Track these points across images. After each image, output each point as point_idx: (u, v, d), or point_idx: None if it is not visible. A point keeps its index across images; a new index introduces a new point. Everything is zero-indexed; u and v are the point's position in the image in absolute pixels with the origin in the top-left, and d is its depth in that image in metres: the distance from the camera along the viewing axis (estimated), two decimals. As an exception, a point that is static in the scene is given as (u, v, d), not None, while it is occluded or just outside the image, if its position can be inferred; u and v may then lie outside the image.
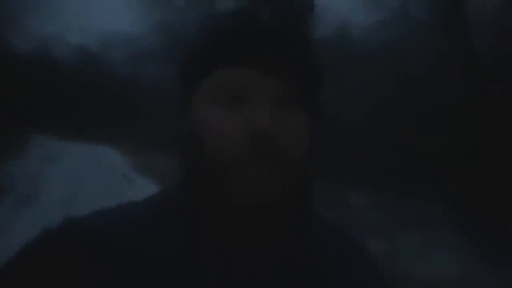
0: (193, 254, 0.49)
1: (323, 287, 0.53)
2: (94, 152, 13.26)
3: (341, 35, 10.12)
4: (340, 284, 0.55)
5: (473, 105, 6.95)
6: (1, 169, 8.62)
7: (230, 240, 0.50)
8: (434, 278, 4.64)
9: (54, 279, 0.45)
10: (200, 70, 0.52)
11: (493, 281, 4.76)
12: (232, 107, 0.49)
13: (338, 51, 9.09)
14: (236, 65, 0.49)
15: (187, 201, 0.52)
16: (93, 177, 8.46)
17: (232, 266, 0.49)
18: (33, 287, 0.45)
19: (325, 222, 0.61)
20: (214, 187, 0.48)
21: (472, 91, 6.99)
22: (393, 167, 7.42)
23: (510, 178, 5.81)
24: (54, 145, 13.89)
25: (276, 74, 0.49)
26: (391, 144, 7.69)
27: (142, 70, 20.02)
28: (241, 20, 0.51)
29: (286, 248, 0.53)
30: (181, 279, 0.47)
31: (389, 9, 8.74)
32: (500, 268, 5.07)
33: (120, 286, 0.46)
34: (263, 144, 0.47)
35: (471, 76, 6.99)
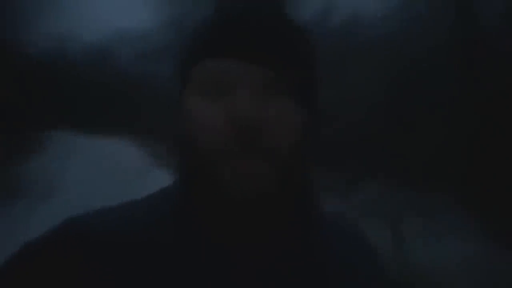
0: (192, 252, 0.49)
1: (323, 286, 0.52)
2: (110, 146, 13.45)
3: (350, 27, 10.08)
4: (341, 282, 0.54)
5: (479, 93, 6.94)
6: (21, 165, 8.85)
7: (227, 238, 0.49)
8: (442, 264, 4.65)
9: (55, 279, 0.45)
10: (189, 62, 0.51)
11: (501, 265, 4.76)
12: (217, 97, 0.48)
13: (345, 43, 9.11)
14: (221, 56, 0.49)
15: (184, 199, 0.52)
16: (110, 170, 8.60)
17: (231, 264, 0.49)
18: (34, 287, 0.45)
19: (327, 218, 0.60)
20: (205, 182, 0.48)
21: (476, 81, 6.96)
22: (398, 154, 7.45)
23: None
24: (72, 141, 14.14)
25: (261, 64, 0.48)
26: (395, 133, 7.71)
27: (156, 65, 20.16)
28: (227, 12, 0.51)
29: (285, 245, 0.52)
30: (181, 277, 0.47)
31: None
32: (508, 252, 5.07)
33: (120, 285, 0.46)
34: (246, 132, 0.46)
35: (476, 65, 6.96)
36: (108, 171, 8.59)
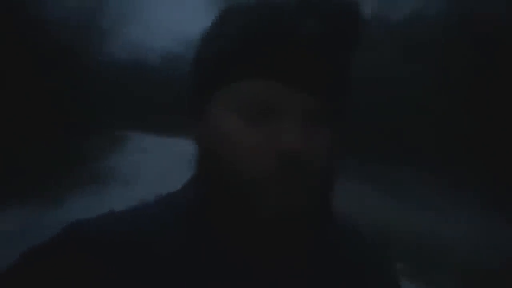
0: (202, 261, 0.48)
1: (327, 280, 0.53)
2: (179, 144, 14.82)
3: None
4: (345, 281, 0.54)
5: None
6: (108, 159, 10.38)
7: (247, 254, 0.49)
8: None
9: (59, 283, 0.45)
10: (223, 76, 0.48)
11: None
12: (259, 121, 0.46)
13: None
14: (263, 75, 0.46)
15: (201, 211, 0.51)
16: (178, 165, 9.76)
17: (248, 280, 0.49)
18: None
19: (339, 225, 0.59)
20: (237, 203, 0.47)
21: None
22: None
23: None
24: (148, 140, 15.76)
25: (306, 89, 0.46)
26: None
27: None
28: (276, 29, 0.46)
29: (303, 262, 0.52)
30: (187, 279, 0.47)
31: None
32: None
33: None
34: (290, 162, 0.45)
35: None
36: (174, 166, 9.76)
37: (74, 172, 8.62)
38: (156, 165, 9.96)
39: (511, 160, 6.74)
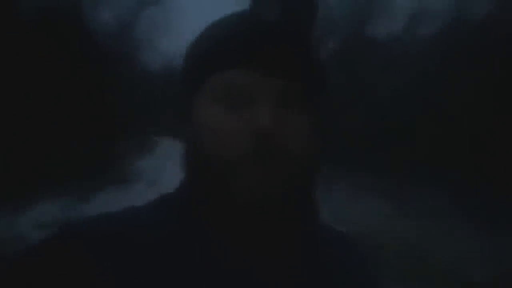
0: (198, 256, 0.49)
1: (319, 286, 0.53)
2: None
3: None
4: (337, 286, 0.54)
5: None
6: (139, 161, 10.98)
7: (235, 242, 0.49)
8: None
9: (54, 284, 0.44)
10: (204, 70, 0.51)
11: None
12: (236, 108, 0.48)
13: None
14: (239, 66, 0.49)
15: (192, 203, 0.52)
16: None
17: (237, 269, 0.49)
18: None
19: (326, 226, 0.61)
20: (220, 188, 0.48)
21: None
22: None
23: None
24: (174, 145, 16.39)
25: (280, 75, 0.48)
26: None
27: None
28: (245, 21, 0.50)
29: (292, 251, 0.52)
30: (181, 279, 0.47)
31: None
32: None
33: None
34: (267, 144, 0.46)
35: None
36: None
37: (104, 173, 9.24)
38: (178, 169, 10.48)
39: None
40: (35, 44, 9.00)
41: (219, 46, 0.51)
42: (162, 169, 10.21)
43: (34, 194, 6.77)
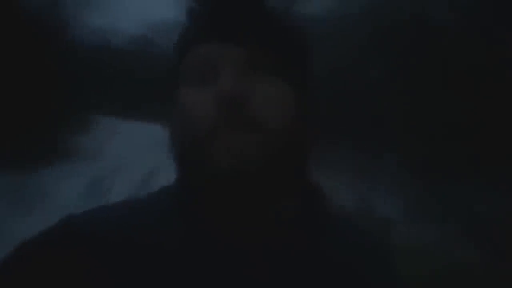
0: (193, 246, 0.49)
1: (325, 277, 0.51)
2: (146, 129, 15.29)
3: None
4: (343, 278, 0.52)
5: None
6: (72, 142, 11.00)
7: (226, 221, 0.49)
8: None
9: (52, 277, 0.44)
10: (179, 55, 0.53)
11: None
12: (205, 83, 0.49)
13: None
14: (204, 42, 0.50)
15: (183, 191, 0.52)
16: (145, 151, 10.25)
17: (234, 250, 0.49)
18: (31, 286, 0.45)
19: (337, 217, 0.59)
20: (195, 163, 0.48)
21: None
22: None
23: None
24: (114, 125, 16.25)
25: (243, 44, 0.49)
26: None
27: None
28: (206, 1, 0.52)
29: (281, 223, 0.51)
30: (180, 272, 0.47)
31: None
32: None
33: (119, 284, 0.45)
34: (231, 108, 0.46)
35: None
36: (144, 150, 10.32)
37: (45, 149, 9.18)
38: (119, 147, 10.57)
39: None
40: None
41: (189, 26, 0.53)
42: (101, 147, 10.30)
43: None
